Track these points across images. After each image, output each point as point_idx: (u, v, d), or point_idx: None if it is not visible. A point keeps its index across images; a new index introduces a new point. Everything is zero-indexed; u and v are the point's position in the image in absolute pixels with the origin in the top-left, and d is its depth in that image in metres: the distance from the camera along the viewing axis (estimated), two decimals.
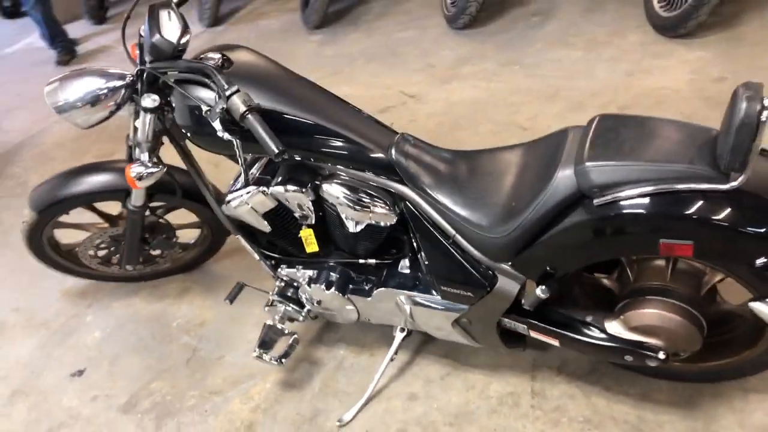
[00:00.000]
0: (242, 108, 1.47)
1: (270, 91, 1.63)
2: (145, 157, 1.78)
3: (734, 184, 1.26)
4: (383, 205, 1.68)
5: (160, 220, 2.26)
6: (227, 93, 1.49)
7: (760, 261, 1.32)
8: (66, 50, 5.13)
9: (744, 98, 1.20)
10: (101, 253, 2.33)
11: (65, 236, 2.34)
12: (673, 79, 3.08)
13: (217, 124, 1.55)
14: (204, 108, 1.56)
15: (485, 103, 3.25)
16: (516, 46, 3.72)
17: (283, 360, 1.94)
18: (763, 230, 1.28)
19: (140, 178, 1.76)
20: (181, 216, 2.28)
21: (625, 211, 1.36)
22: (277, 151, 1.46)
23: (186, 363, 2.20)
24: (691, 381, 1.77)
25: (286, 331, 1.98)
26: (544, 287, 1.56)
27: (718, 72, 3.05)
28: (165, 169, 1.82)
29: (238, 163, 1.65)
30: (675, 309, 1.52)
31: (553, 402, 1.82)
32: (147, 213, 2.15)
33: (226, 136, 1.54)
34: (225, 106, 1.49)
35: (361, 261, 1.87)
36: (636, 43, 3.47)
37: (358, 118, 1.69)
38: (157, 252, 2.33)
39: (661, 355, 1.56)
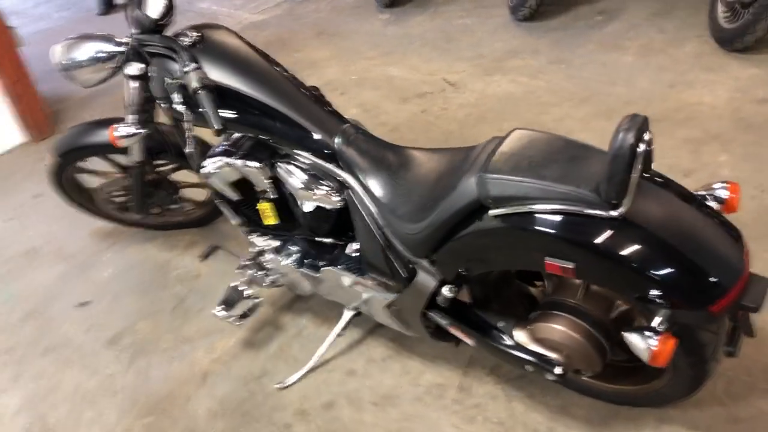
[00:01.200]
0: (195, 84, 1.62)
1: (233, 70, 1.76)
2: (129, 119, 1.96)
3: (614, 213, 1.28)
4: (328, 189, 1.79)
5: (167, 178, 2.47)
6: (185, 69, 1.65)
7: (636, 293, 1.33)
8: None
9: (621, 130, 1.21)
10: (115, 199, 2.57)
11: (90, 181, 2.60)
12: (714, 96, 2.95)
13: (174, 96, 1.70)
14: (167, 80, 1.72)
15: (518, 99, 3.24)
16: (569, 44, 3.65)
17: (240, 321, 2.10)
18: (637, 264, 1.29)
19: (120, 137, 1.95)
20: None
21: (514, 225, 1.40)
22: (217, 127, 1.60)
23: (171, 310, 2.41)
24: (609, 401, 1.77)
25: (247, 294, 2.13)
26: (451, 287, 1.62)
27: (763, 93, 2.89)
28: (144, 133, 1.99)
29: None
30: (578, 328, 1.54)
31: (475, 399, 1.88)
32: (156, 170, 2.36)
33: (179, 107, 1.69)
34: (181, 81, 1.64)
35: (317, 239, 1.98)
36: (691, 53, 3.32)
37: (312, 104, 1.79)
38: (157, 206, 2.54)
39: (558, 370, 1.58)
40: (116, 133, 1.96)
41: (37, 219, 3.04)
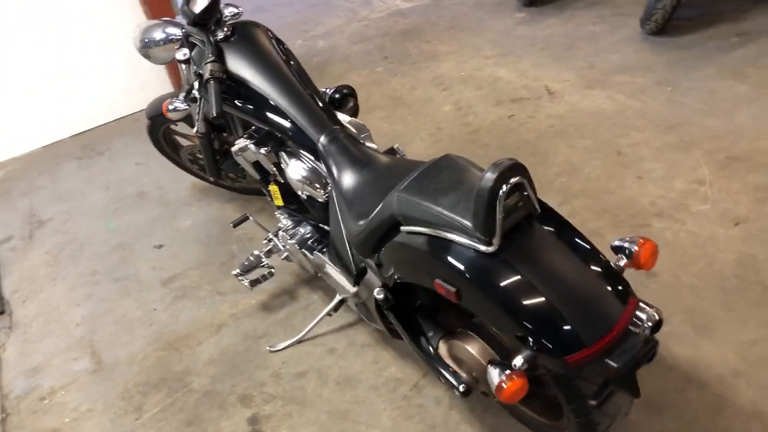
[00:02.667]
0: (206, 75, 1.89)
1: (248, 65, 2.00)
2: (180, 96, 2.29)
3: (488, 249, 1.34)
4: (315, 183, 1.97)
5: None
6: (204, 61, 1.92)
7: (506, 330, 1.38)
8: None
9: (487, 171, 1.27)
10: (196, 161, 2.96)
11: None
12: None
13: (195, 83, 1.98)
14: (193, 68, 2.00)
15: (605, 118, 3.15)
16: (687, 65, 3.43)
17: (252, 286, 2.36)
18: (504, 302, 1.33)
19: (168, 110, 2.28)
20: None
21: (413, 243, 1.50)
22: (214, 114, 1.86)
23: (220, 264, 2.75)
24: (536, 431, 1.80)
25: (264, 263, 2.39)
26: (381, 289, 1.75)
27: None
28: (189, 109, 2.30)
29: None
30: (486, 355, 1.60)
31: (421, 400, 1.99)
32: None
33: (195, 93, 1.96)
34: (200, 70, 1.92)
35: (320, 225, 2.18)
36: None
37: (310, 104, 1.97)
38: (227, 173, 2.87)
39: (461, 388, 1.66)
40: (169, 106, 2.30)
41: (157, 167, 3.54)
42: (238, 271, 2.38)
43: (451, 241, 1.41)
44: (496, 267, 1.36)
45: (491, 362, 1.40)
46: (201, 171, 3.04)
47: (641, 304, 1.45)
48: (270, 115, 1.98)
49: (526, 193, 1.34)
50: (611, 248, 1.47)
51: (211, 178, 2.92)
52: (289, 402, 2.08)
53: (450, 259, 1.41)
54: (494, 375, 1.37)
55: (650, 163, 2.75)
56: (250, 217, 2.52)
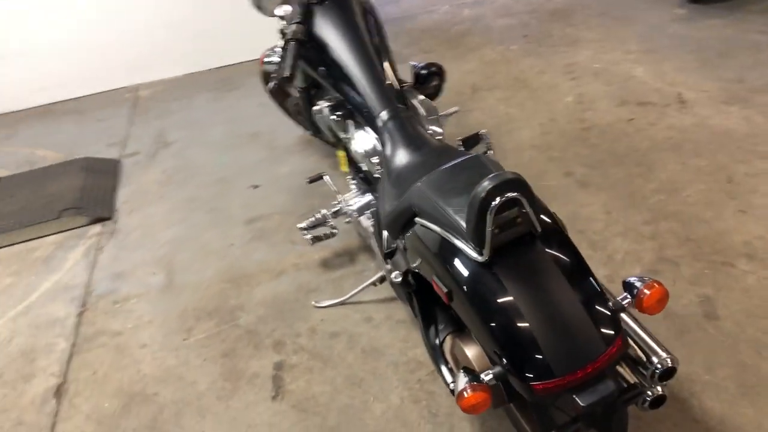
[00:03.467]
0: (288, 36, 1.98)
1: (331, 31, 2.05)
2: (277, 49, 2.39)
3: (479, 258, 1.32)
4: (372, 157, 2.01)
5: None
6: (290, 23, 2.00)
7: (484, 343, 1.36)
8: None
9: (485, 180, 1.25)
10: (300, 113, 3.09)
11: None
12: None
13: (281, 42, 2.08)
14: (284, 27, 2.09)
15: (731, 140, 2.88)
16: None
17: (312, 242, 2.46)
18: (483, 314, 1.31)
19: (263, 62, 2.40)
20: None
21: (422, 237, 1.51)
22: (285, 75, 1.94)
23: (299, 216, 2.88)
24: None
25: (329, 223, 2.47)
26: (398, 273, 1.76)
27: None
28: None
29: None
30: (479, 360, 1.59)
31: (433, 387, 2.01)
32: None
33: (279, 49, 2.05)
34: (285, 29, 2.01)
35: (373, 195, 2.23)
36: None
37: (379, 79, 1.99)
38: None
39: (451, 386, 1.65)
40: (265, 58, 2.41)
41: (276, 112, 3.72)
42: (303, 225, 2.48)
43: (452, 243, 1.40)
44: (484, 278, 1.34)
45: (464, 369, 1.39)
46: (304, 122, 3.17)
47: (656, 348, 1.38)
48: (341, 83, 2.03)
49: (525, 210, 1.30)
50: (623, 284, 1.39)
51: (307, 132, 3.03)
52: (314, 357, 2.18)
53: (447, 259, 1.41)
54: (461, 381, 1.36)
55: (762, 199, 2.50)
56: (325, 177, 2.60)
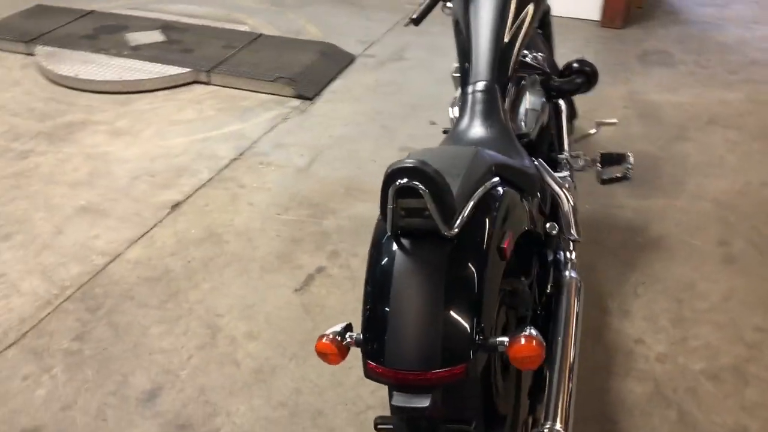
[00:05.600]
0: None
1: None
2: None
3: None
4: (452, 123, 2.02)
5: None
6: None
7: None
8: None
9: (406, 158, 1.26)
10: None
11: None
12: None
13: None
14: None
15: None
16: None
17: None
18: (365, 277, 1.35)
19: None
20: None
21: None
22: (412, 17, 2.02)
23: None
24: None
25: None
26: None
27: None
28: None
29: None
30: None
31: None
32: None
33: None
34: None
35: None
36: None
37: (491, 51, 1.94)
38: None
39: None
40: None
41: None
42: None
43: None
44: (383, 248, 1.35)
45: (348, 324, 1.44)
46: None
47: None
48: (463, 44, 2.02)
49: (428, 206, 1.27)
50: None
51: None
52: (349, 279, 2.33)
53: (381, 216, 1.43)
54: (332, 328, 1.40)
55: None
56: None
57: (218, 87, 3.61)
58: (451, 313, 1.26)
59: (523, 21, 2.02)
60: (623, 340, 2.06)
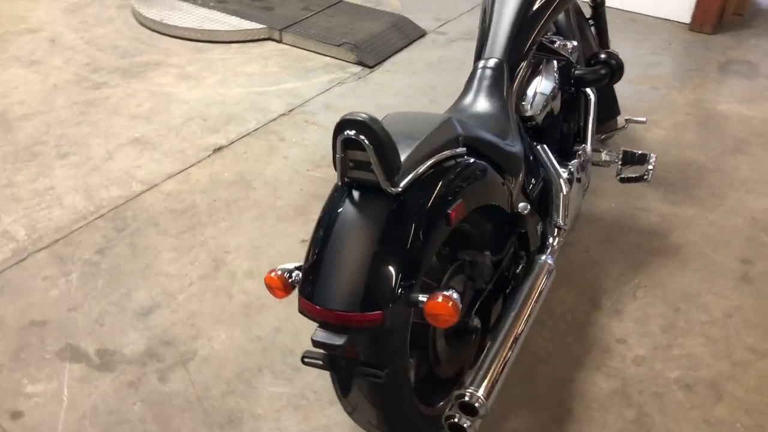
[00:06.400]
0: None
1: None
2: None
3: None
4: None
5: None
6: None
7: None
8: None
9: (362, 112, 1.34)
10: None
11: None
12: None
13: None
14: None
15: None
16: None
17: None
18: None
19: None
20: None
21: None
22: None
23: None
24: None
25: None
26: None
27: None
28: None
29: None
30: None
31: None
32: None
33: None
34: None
35: None
36: None
37: (508, 30, 1.95)
38: None
39: None
40: None
41: None
42: None
43: None
44: (334, 196, 1.43)
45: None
46: None
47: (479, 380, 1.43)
48: (484, 17, 2.03)
49: (369, 159, 1.33)
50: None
51: None
52: None
53: None
54: (285, 264, 1.49)
55: None
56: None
57: (288, 46, 3.76)
58: (379, 264, 1.33)
59: (546, 4, 2.01)
60: (605, 337, 2.04)
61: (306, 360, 1.41)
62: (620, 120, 2.62)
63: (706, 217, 2.56)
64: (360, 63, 3.56)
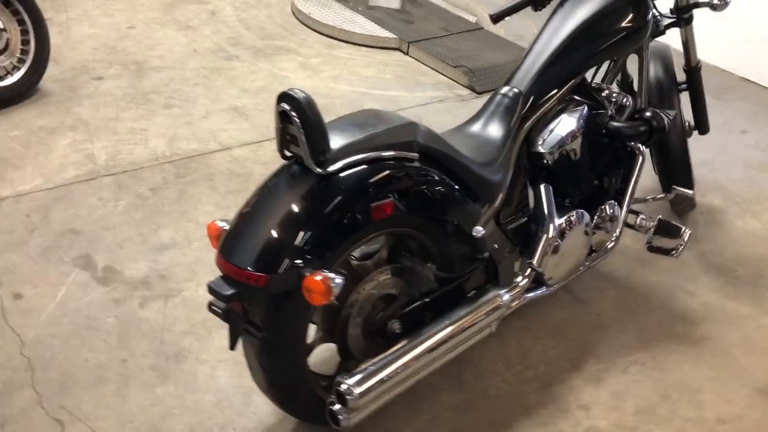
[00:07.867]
0: None
1: (560, 14, 2.01)
2: None
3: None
4: None
5: None
6: None
7: None
8: None
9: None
10: None
11: None
12: None
13: None
14: None
15: None
16: None
17: None
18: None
19: None
20: None
21: None
22: (490, 14, 2.09)
23: None
24: None
25: None
26: None
27: None
28: None
29: None
30: None
31: None
32: None
33: None
34: None
35: None
36: None
37: (539, 62, 1.92)
38: None
39: None
40: None
41: None
42: None
43: None
44: (275, 170, 1.54)
45: None
46: None
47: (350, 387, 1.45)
48: (531, 43, 2.02)
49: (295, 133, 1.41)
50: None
51: None
52: None
53: None
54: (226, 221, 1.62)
55: None
56: None
57: (412, 59, 3.89)
58: (282, 234, 1.42)
59: (588, 50, 1.95)
60: (569, 399, 1.92)
61: (211, 308, 1.51)
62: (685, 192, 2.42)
63: (758, 319, 2.29)
64: (470, 87, 3.60)
